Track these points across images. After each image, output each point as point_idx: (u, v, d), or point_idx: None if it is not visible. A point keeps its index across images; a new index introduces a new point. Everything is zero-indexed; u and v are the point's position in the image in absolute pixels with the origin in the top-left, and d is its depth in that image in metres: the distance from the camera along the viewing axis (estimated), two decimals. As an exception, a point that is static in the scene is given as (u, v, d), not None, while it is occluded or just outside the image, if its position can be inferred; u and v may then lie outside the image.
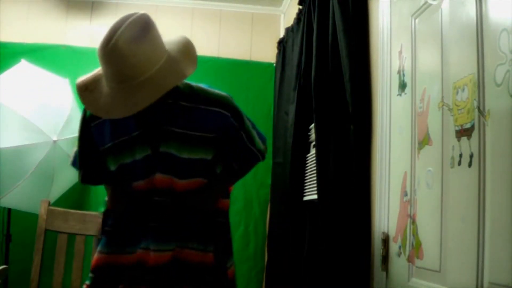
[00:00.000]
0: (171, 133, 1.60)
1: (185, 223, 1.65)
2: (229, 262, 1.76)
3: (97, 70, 1.50)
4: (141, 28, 1.40)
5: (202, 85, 1.71)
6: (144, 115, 1.55)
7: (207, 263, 1.65)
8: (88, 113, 1.67)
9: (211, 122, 1.65)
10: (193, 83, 1.69)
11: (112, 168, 1.67)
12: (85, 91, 1.46)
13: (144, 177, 1.63)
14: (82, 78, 1.50)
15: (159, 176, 1.61)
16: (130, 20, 1.39)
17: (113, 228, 1.66)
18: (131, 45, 1.36)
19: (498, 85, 1.09)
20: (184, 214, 1.65)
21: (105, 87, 1.44)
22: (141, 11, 1.45)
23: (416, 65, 1.58)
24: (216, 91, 1.72)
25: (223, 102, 1.69)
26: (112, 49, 1.35)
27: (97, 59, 1.44)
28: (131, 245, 1.62)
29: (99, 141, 1.66)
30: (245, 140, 1.77)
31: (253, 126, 1.83)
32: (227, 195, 1.83)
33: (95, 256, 1.65)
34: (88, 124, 1.68)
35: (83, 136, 1.71)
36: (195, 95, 1.65)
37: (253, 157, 1.84)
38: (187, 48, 1.57)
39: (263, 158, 1.89)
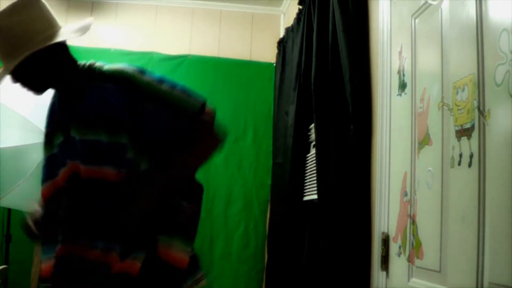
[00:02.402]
0: (73, 116, 1.55)
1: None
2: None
3: None
4: (17, 7, 1.45)
5: (102, 63, 1.58)
6: (60, 102, 1.60)
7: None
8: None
9: (105, 100, 1.50)
10: (95, 62, 1.59)
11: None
12: None
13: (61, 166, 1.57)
14: None
15: (68, 162, 1.55)
16: (12, 2, 1.46)
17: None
18: (5, 21, 1.43)
19: (498, 85, 1.09)
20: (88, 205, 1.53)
21: None
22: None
23: (416, 65, 1.58)
24: (116, 66, 1.56)
25: (116, 76, 1.52)
26: None
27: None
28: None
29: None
30: (160, 110, 1.50)
31: (176, 87, 1.56)
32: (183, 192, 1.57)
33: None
34: None
35: None
36: (92, 73, 1.56)
37: (189, 123, 1.52)
38: (81, 24, 1.55)
39: (208, 120, 1.56)
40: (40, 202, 1.68)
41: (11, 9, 1.45)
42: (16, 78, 1.51)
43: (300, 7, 3.00)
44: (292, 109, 2.87)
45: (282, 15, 4.05)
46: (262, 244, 3.70)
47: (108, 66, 1.56)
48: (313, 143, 2.56)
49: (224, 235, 3.71)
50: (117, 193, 1.49)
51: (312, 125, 2.51)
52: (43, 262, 1.59)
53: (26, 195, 2.87)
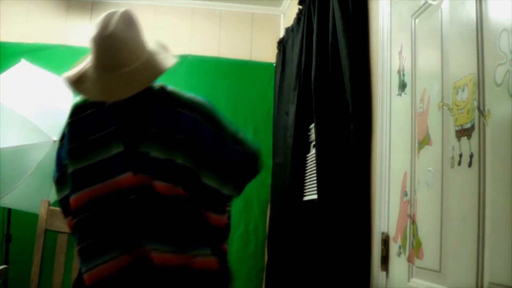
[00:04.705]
0: (147, 133, 1.60)
1: (158, 224, 1.57)
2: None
3: (80, 65, 1.55)
4: (130, 19, 1.49)
5: (174, 88, 1.68)
6: (120, 113, 1.61)
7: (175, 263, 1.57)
8: (71, 112, 1.68)
9: (182, 125, 1.61)
10: (166, 85, 1.67)
11: (78, 167, 1.61)
12: (76, 83, 1.51)
13: (112, 177, 1.58)
14: (69, 73, 1.55)
15: (129, 176, 1.57)
16: (120, 12, 1.47)
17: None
18: (126, 32, 1.45)
19: (498, 85, 1.09)
20: (161, 215, 1.58)
21: (94, 77, 1.49)
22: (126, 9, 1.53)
23: (416, 65, 1.58)
24: (189, 95, 1.68)
25: (194, 107, 1.64)
26: (110, 35, 1.42)
27: None
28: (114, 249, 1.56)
29: (71, 138, 1.64)
30: (229, 143, 1.67)
31: (238, 134, 1.73)
32: (220, 210, 1.68)
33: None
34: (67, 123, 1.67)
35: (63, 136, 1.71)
36: (167, 97, 1.64)
37: (244, 158, 1.70)
38: (164, 45, 1.64)
39: (258, 166, 1.76)
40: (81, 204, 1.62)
41: (124, 20, 1.46)
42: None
43: (300, 7, 3.00)
44: (292, 109, 2.87)
45: (282, 15, 4.05)
46: (262, 244, 3.70)
47: (180, 92, 1.66)
48: (313, 143, 2.55)
49: (224, 235, 3.71)
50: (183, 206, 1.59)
51: (312, 125, 2.51)
52: (88, 272, 1.55)
53: (26, 195, 2.87)
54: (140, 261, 1.54)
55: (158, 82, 1.65)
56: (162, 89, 1.65)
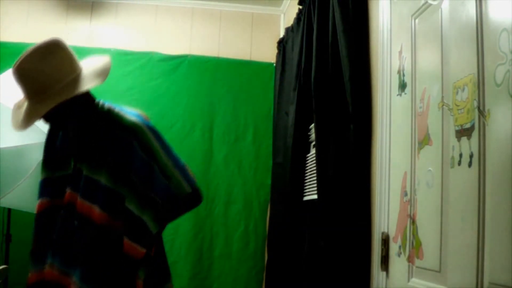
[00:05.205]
0: (83, 151, 1.71)
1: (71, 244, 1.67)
2: None
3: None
4: (44, 51, 1.59)
5: (121, 108, 1.73)
6: (77, 133, 1.74)
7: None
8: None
9: (116, 147, 1.67)
10: (114, 105, 1.74)
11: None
12: (16, 109, 1.69)
13: (57, 194, 1.75)
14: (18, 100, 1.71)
15: (68, 193, 1.70)
16: (38, 44, 1.60)
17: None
18: (33, 65, 1.57)
19: (498, 85, 1.09)
20: (74, 235, 1.67)
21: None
22: (53, 38, 1.67)
23: (416, 65, 1.58)
24: (137, 118, 1.71)
25: (135, 131, 1.68)
26: (17, 69, 1.58)
27: None
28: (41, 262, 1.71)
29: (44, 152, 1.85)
30: (156, 174, 1.67)
31: (178, 165, 1.73)
32: (138, 239, 1.64)
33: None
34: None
35: None
36: (110, 118, 1.71)
37: (167, 194, 1.69)
38: (103, 66, 1.68)
39: (193, 202, 1.78)
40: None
41: (37, 53, 1.58)
42: (44, 117, 1.64)
43: (300, 7, 3.00)
44: (292, 109, 2.87)
45: (282, 15, 4.05)
46: (262, 244, 3.70)
47: (126, 114, 1.71)
48: (313, 143, 2.56)
49: (224, 235, 3.71)
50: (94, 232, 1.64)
51: (312, 125, 2.51)
52: (30, 272, 1.73)
53: (26, 195, 2.87)
54: (43, 278, 1.68)
55: (107, 103, 1.74)
56: (108, 111, 1.72)
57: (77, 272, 1.61)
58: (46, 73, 1.58)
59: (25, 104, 1.64)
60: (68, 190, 1.69)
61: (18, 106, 1.68)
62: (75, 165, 1.72)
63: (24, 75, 1.59)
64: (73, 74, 1.63)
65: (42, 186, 1.81)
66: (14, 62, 1.60)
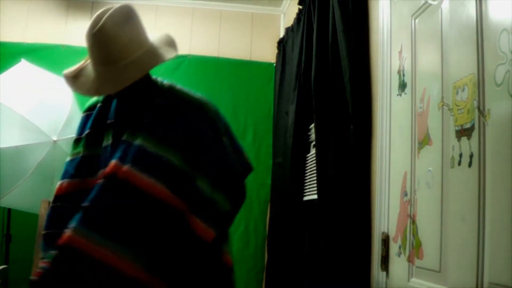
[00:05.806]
0: (140, 125, 1.57)
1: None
2: None
3: (82, 62, 1.59)
4: (124, 15, 1.50)
5: (183, 88, 1.68)
6: (122, 107, 1.63)
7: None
8: (84, 108, 1.74)
9: (181, 124, 1.58)
10: (175, 84, 1.68)
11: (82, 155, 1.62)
12: (72, 78, 1.55)
13: (90, 172, 1.57)
14: (69, 69, 1.59)
15: (114, 163, 1.51)
16: (114, 8, 1.49)
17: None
18: (116, 28, 1.46)
19: (498, 85, 1.09)
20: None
21: (91, 73, 1.52)
22: (127, 4, 1.56)
23: (416, 65, 1.58)
24: (198, 96, 1.66)
25: (202, 107, 1.63)
26: (99, 31, 1.44)
27: None
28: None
29: (78, 131, 1.69)
30: (227, 151, 1.62)
31: (234, 143, 1.68)
32: (210, 220, 1.55)
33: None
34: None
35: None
36: (172, 95, 1.64)
37: (240, 167, 1.66)
38: (168, 38, 1.63)
39: (243, 174, 1.70)
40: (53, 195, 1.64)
41: (119, 17, 1.48)
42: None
43: (300, 7, 3.00)
44: (292, 109, 2.87)
45: (282, 15, 4.05)
46: (262, 244, 3.70)
47: (191, 92, 1.66)
48: (313, 143, 2.55)
49: (224, 235, 3.71)
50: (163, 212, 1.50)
51: (312, 125, 2.51)
52: (41, 260, 1.53)
53: (26, 195, 2.87)
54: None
55: (167, 81, 1.67)
56: (169, 88, 1.66)
57: (138, 254, 1.45)
58: (128, 38, 1.48)
59: (91, 71, 1.52)
60: (113, 161, 1.51)
61: (75, 74, 1.55)
62: (128, 138, 1.55)
63: (104, 39, 1.45)
64: (148, 42, 1.55)
65: (74, 164, 1.62)
66: (90, 24, 1.46)
